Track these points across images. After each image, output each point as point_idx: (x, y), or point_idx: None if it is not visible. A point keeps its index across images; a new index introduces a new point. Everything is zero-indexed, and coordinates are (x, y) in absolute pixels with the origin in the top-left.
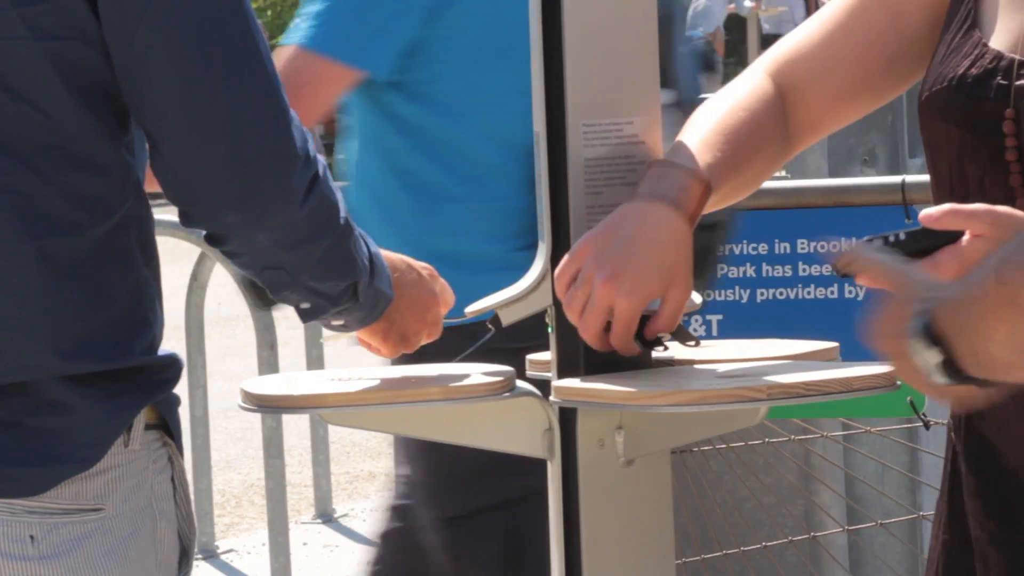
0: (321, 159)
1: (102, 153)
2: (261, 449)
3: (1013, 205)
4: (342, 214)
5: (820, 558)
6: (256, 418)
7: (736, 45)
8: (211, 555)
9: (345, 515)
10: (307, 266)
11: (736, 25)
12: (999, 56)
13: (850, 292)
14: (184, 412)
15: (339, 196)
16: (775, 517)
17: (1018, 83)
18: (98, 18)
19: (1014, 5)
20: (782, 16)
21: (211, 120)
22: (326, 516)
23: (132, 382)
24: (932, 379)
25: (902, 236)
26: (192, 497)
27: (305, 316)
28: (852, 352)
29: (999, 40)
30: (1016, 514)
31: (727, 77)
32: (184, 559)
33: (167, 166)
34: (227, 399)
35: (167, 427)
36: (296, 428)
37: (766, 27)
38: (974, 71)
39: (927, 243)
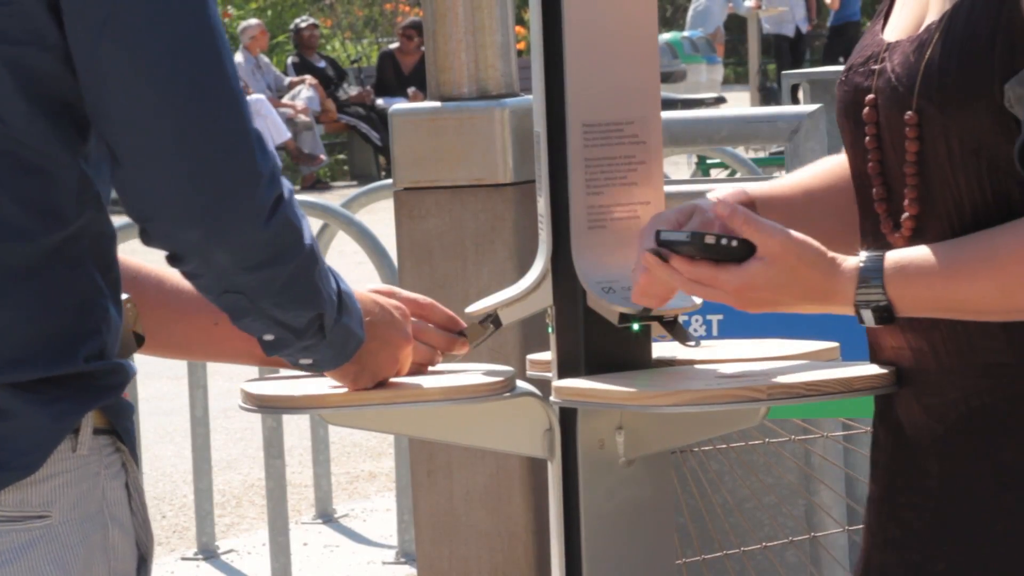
0: (287, 182)
1: (57, 162)
2: (261, 449)
3: (869, 194)
4: (307, 240)
5: (820, 558)
6: (256, 418)
7: (736, 45)
8: (211, 555)
9: (345, 515)
10: (268, 292)
11: (736, 25)
12: (881, 43)
13: None
14: (184, 412)
15: (305, 222)
16: (775, 517)
17: (878, 67)
18: (61, 26)
19: None
20: (782, 16)
21: (173, 136)
22: (326, 516)
23: (74, 388)
24: None
25: (684, 236)
26: (192, 497)
27: (269, 348)
28: (852, 352)
29: (891, 31)
30: (885, 508)
31: (727, 77)
32: (143, 566)
33: (127, 180)
34: (227, 399)
35: (118, 433)
36: (296, 428)
37: (766, 27)
38: (858, 59)
39: (714, 250)
